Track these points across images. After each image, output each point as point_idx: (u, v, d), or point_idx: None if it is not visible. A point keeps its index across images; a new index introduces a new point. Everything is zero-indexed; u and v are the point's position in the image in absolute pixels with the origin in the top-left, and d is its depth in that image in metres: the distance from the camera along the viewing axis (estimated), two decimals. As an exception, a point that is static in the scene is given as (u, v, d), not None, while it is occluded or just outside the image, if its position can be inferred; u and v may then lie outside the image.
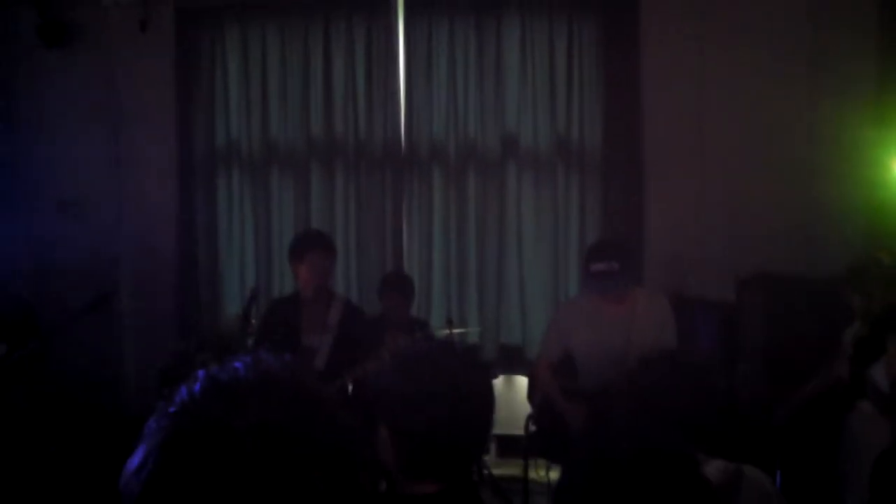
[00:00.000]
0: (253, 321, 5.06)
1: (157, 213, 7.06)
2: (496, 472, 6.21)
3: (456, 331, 6.04)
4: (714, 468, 2.70)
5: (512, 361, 6.81)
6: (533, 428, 5.43)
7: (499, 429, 6.63)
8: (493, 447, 6.64)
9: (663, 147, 6.60)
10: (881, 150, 6.07)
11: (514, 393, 6.82)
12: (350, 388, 4.99)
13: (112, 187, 7.09)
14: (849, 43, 6.33)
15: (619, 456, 1.71)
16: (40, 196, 7.09)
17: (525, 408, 5.80)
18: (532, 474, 5.68)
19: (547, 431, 5.20)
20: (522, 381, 6.37)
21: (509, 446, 6.42)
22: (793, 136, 6.41)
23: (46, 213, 7.08)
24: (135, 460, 1.04)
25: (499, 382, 6.80)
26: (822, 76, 6.34)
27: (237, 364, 1.10)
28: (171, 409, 1.05)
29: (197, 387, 1.07)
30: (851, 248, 6.23)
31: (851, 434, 4.48)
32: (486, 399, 2.17)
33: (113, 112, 7.05)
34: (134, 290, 7.09)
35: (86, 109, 7.07)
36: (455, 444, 2.04)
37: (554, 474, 5.76)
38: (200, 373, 1.09)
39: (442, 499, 2.03)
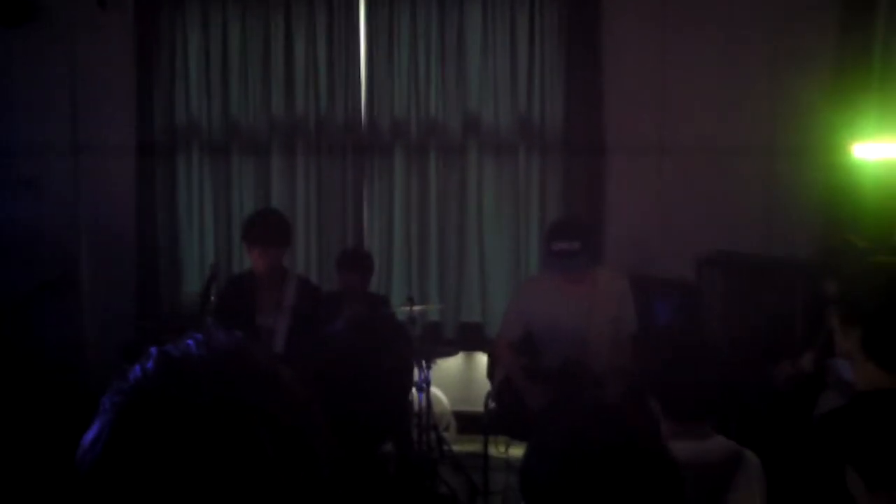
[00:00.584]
0: (212, 299, 5.04)
1: (116, 192, 7.01)
2: (456, 448, 6.25)
3: (416, 308, 6.05)
4: (717, 443, 2.75)
5: (472, 339, 6.84)
6: (492, 405, 5.47)
7: (459, 406, 6.68)
8: (453, 424, 6.68)
9: (624, 127, 6.65)
10: (840, 132, 6.15)
11: (474, 371, 6.86)
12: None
13: (70, 165, 7.01)
14: (809, 26, 6.39)
15: (590, 438, 1.73)
16: (-3, 174, 7.01)
17: (485, 385, 5.84)
18: (492, 451, 5.73)
19: (507, 409, 5.24)
20: (482, 359, 6.41)
21: (469, 423, 6.46)
22: (753, 117, 6.47)
23: (3, 190, 6.99)
24: (89, 435, 1.05)
25: (459, 360, 6.85)
26: (783, 59, 6.40)
27: (189, 341, 1.11)
28: (125, 386, 1.06)
29: (150, 364, 1.08)
30: (810, 228, 6.32)
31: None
32: (394, 377, 2.26)
33: (71, 90, 6.97)
34: (93, 268, 7.05)
35: (44, 87, 6.99)
36: (357, 418, 2.14)
37: (514, 451, 5.82)
38: (153, 350, 1.09)
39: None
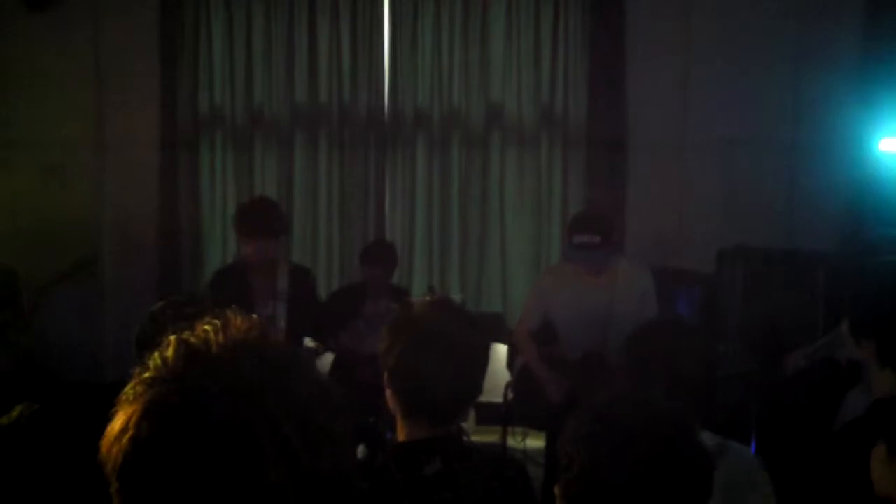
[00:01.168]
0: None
1: (139, 179, 7.01)
2: (475, 438, 6.25)
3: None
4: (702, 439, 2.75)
5: (493, 329, 6.84)
6: (511, 395, 5.47)
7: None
8: (472, 414, 6.69)
9: (647, 120, 6.62)
10: (864, 128, 6.12)
11: (494, 361, 6.80)
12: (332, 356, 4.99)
13: (93, 152, 7.04)
14: (834, 22, 6.36)
15: (635, 426, 1.73)
16: (22, 160, 7.04)
17: (504, 376, 5.85)
18: (510, 441, 5.74)
19: (525, 398, 5.24)
20: (502, 350, 6.42)
21: (488, 414, 6.46)
22: (777, 112, 6.44)
23: (28, 176, 7.03)
24: (114, 428, 1.07)
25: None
26: (807, 54, 6.37)
27: (206, 328, 1.12)
28: (146, 376, 1.08)
29: (170, 352, 1.09)
30: (832, 223, 6.30)
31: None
32: (477, 354, 2.32)
33: (95, 77, 7.00)
34: (115, 256, 7.07)
35: (68, 73, 7.01)
36: (446, 392, 2.21)
37: (532, 441, 5.82)
38: (173, 338, 1.11)
39: (431, 444, 2.20)
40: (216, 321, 1.13)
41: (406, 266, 6.84)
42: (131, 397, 1.07)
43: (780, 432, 5.12)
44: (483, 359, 2.36)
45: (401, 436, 2.27)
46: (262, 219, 4.91)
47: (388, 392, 2.27)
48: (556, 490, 1.79)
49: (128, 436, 1.04)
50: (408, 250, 6.89)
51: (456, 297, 6.76)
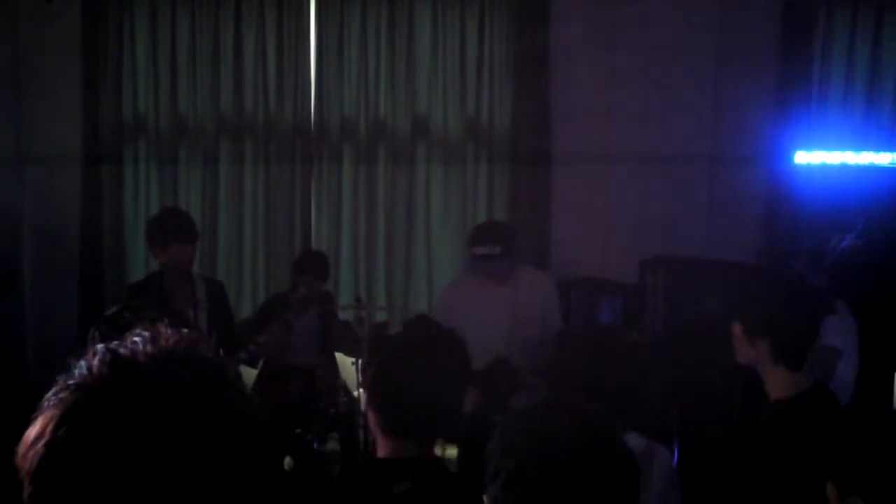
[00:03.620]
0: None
1: (61, 188, 6.88)
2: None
3: (363, 308, 6.05)
4: (631, 441, 2.80)
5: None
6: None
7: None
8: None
9: (571, 132, 6.71)
10: (782, 139, 6.30)
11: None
12: (259, 361, 4.96)
13: (13, 164, 6.87)
14: (753, 33, 6.54)
15: (559, 432, 1.73)
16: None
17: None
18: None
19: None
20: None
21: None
22: (698, 124, 6.58)
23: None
24: (32, 432, 1.06)
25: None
26: (728, 66, 6.52)
27: (136, 338, 1.12)
28: (71, 382, 1.08)
29: (96, 360, 1.09)
30: (751, 234, 6.46)
31: None
32: (454, 372, 2.36)
33: (15, 84, 6.86)
34: (36, 266, 6.94)
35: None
36: (429, 410, 2.25)
37: (450, 451, 5.83)
38: (100, 347, 1.11)
39: (402, 464, 2.21)
40: (145, 333, 1.13)
41: (333, 275, 6.81)
42: (53, 403, 1.07)
43: (701, 437, 5.23)
44: (460, 378, 2.38)
45: (380, 453, 2.29)
46: (176, 224, 4.88)
47: (367, 409, 2.32)
48: (486, 500, 1.80)
49: (44, 440, 1.04)
50: (334, 259, 6.85)
51: (381, 307, 6.78)
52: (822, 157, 6.10)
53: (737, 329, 2.88)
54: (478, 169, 6.91)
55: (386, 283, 6.97)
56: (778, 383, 2.80)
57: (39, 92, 6.83)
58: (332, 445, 5.55)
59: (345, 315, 6.01)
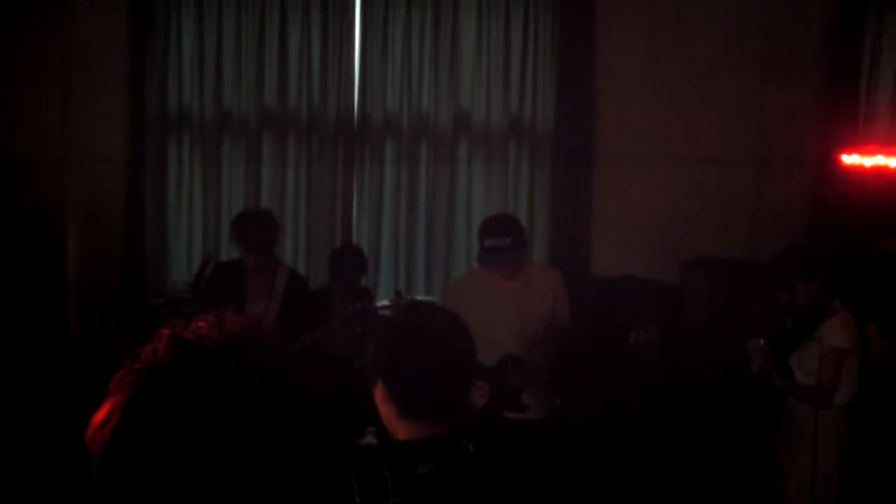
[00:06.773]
0: (202, 285, 5.06)
1: (104, 176, 6.93)
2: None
3: (403, 302, 6.05)
4: None
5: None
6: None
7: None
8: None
9: (615, 129, 6.68)
10: (826, 144, 6.24)
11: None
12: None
13: (58, 148, 6.93)
14: (799, 36, 6.47)
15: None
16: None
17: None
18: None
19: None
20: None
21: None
22: (741, 128, 6.54)
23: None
24: (99, 416, 1.08)
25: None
26: (772, 71, 6.48)
27: (201, 323, 1.13)
28: (137, 366, 1.09)
29: (162, 345, 1.10)
30: (794, 238, 6.39)
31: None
32: (466, 351, 2.41)
33: (64, 72, 6.92)
34: (79, 254, 6.98)
35: (36, 68, 6.92)
36: (442, 388, 2.29)
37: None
38: (165, 331, 1.12)
39: (426, 444, 2.24)
40: (211, 318, 1.14)
41: (372, 269, 6.82)
42: (119, 387, 1.08)
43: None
44: (470, 355, 2.43)
45: (400, 436, 2.31)
46: (263, 234, 5.22)
47: (378, 395, 2.33)
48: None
49: (111, 424, 1.05)
50: (374, 253, 6.88)
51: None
52: (870, 158, 6.02)
53: (871, 329, 2.88)
54: (519, 166, 6.90)
55: (425, 279, 6.98)
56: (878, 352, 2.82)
57: (87, 80, 6.84)
58: (369, 439, 5.56)
59: (384, 312, 6.00)
